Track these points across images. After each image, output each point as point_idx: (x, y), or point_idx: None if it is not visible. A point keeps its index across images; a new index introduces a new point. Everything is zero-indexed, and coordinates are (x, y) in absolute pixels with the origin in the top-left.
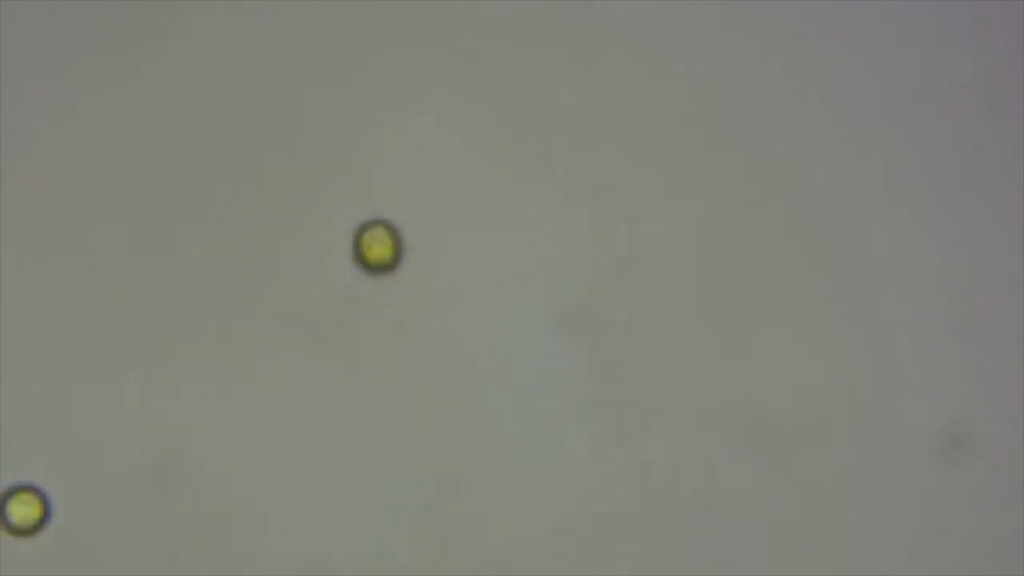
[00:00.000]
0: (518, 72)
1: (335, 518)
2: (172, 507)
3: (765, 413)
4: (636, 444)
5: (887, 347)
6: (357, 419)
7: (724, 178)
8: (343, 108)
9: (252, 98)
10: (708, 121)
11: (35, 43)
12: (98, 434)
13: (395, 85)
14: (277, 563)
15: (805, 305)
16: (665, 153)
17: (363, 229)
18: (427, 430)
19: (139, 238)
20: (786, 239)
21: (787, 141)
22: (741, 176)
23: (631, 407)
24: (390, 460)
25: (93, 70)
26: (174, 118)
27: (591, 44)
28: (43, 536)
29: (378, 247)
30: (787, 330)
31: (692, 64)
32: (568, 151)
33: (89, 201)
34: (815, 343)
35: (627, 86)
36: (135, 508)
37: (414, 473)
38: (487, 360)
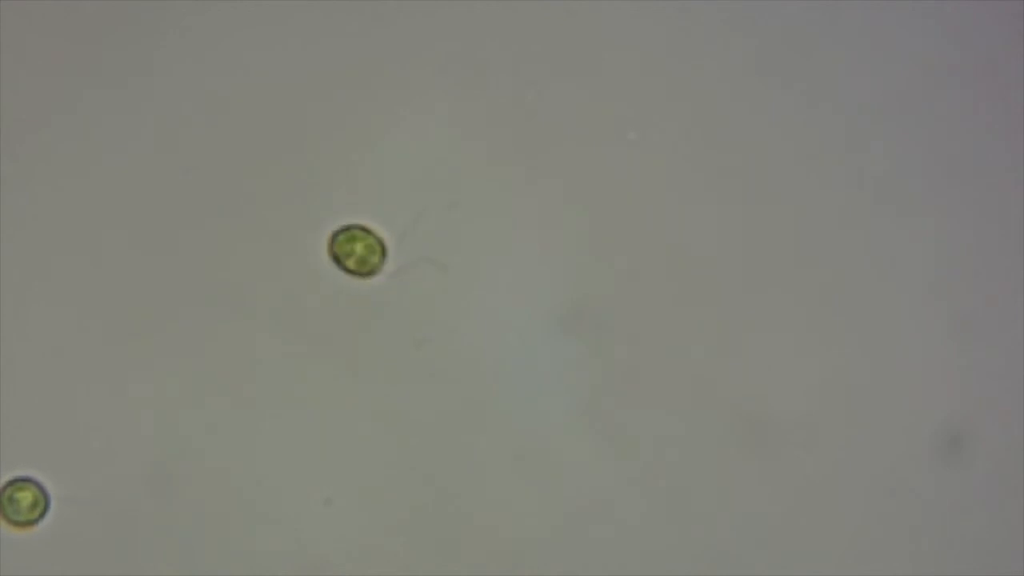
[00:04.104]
0: (518, 72)
1: (335, 518)
2: (172, 507)
3: (765, 413)
4: (636, 444)
5: (887, 347)
6: (357, 419)
7: (724, 178)
8: (343, 108)
9: (252, 98)
10: (709, 121)
11: (35, 43)
12: (97, 433)
13: (395, 85)
14: (277, 563)
15: (805, 305)
16: (666, 153)
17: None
18: (427, 430)
19: (140, 237)
20: (786, 239)
21: (787, 141)
22: (741, 175)
23: (631, 407)
24: (390, 460)
25: (93, 70)
26: (174, 118)
27: (592, 44)
28: (42, 536)
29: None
30: (787, 330)
31: (693, 64)
32: (568, 151)
33: (91, 200)
34: (815, 343)
35: (628, 86)
36: (134, 507)
37: (414, 473)
38: (487, 360)
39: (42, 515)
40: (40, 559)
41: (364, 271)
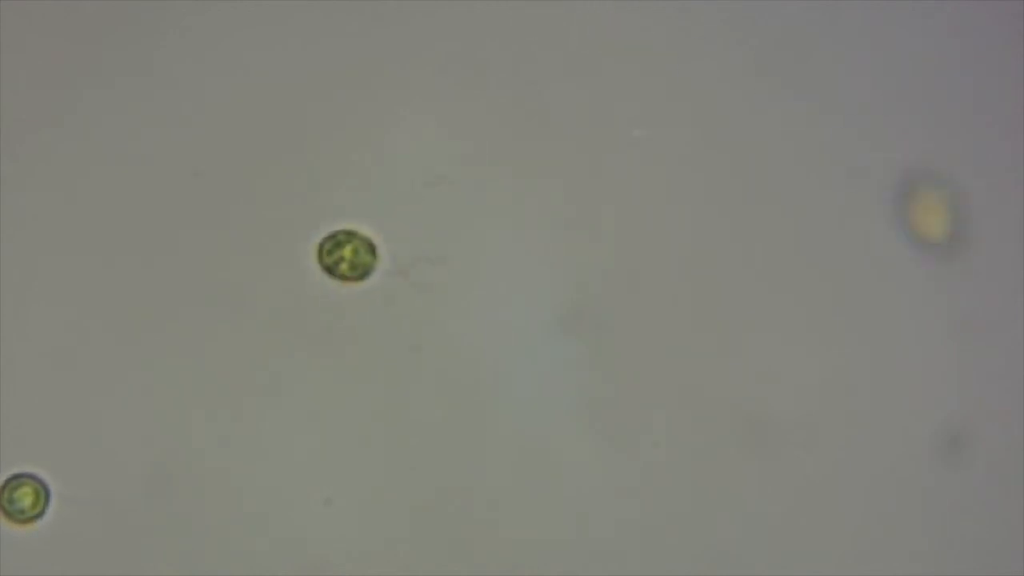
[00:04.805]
0: (518, 72)
1: (335, 518)
2: (172, 507)
3: (765, 413)
4: (636, 444)
5: (887, 347)
6: (357, 419)
7: (724, 177)
8: (342, 109)
9: (251, 98)
10: (709, 120)
11: (35, 43)
12: (97, 433)
13: (395, 85)
14: (277, 563)
15: (805, 305)
16: (666, 153)
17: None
18: (428, 430)
19: (139, 237)
20: (786, 239)
21: (787, 141)
22: (741, 175)
23: (631, 407)
24: (391, 460)
25: (93, 70)
26: (174, 118)
27: (592, 44)
28: (42, 534)
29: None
30: (787, 330)
31: (693, 64)
32: (568, 151)
33: (91, 200)
34: (815, 343)
35: (628, 86)
36: (134, 507)
37: (414, 473)
38: (487, 360)
39: (42, 513)
40: (40, 558)
41: (356, 275)
